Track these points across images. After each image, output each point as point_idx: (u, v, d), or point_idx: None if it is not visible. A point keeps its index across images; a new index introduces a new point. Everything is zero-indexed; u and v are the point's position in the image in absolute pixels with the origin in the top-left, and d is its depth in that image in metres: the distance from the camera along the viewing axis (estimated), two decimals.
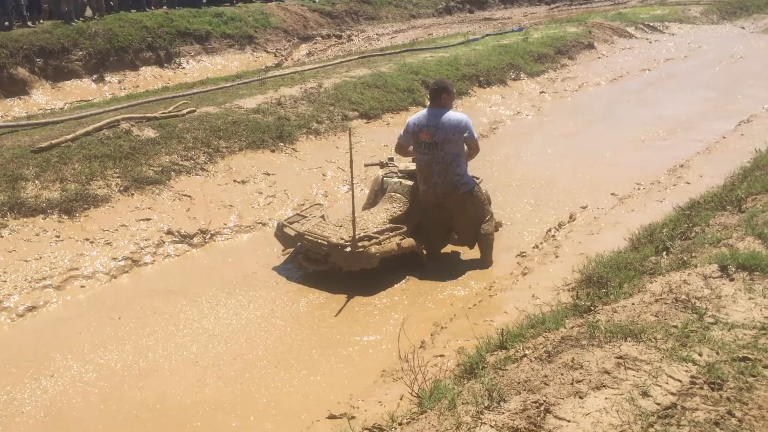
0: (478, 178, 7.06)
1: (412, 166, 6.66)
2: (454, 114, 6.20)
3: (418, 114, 6.38)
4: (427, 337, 5.03)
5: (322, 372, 4.82)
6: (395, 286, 6.01)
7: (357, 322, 5.49)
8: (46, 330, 5.39)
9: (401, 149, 6.50)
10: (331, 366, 4.90)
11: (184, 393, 4.58)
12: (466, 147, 6.18)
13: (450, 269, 6.34)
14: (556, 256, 6.12)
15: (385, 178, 6.83)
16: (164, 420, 4.33)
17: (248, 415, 4.37)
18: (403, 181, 6.67)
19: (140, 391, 4.60)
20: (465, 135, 6.07)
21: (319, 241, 6.00)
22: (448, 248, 6.66)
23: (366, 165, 7.64)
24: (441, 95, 6.19)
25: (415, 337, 4.90)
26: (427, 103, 6.78)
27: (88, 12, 16.18)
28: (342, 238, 5.92)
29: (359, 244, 5.79)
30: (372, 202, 6.86)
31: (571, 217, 7.18)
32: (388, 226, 6.19)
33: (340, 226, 6.24)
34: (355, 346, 5.15)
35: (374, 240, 5.90)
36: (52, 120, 8.92)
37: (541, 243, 6.67)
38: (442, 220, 6.38)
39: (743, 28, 23.20)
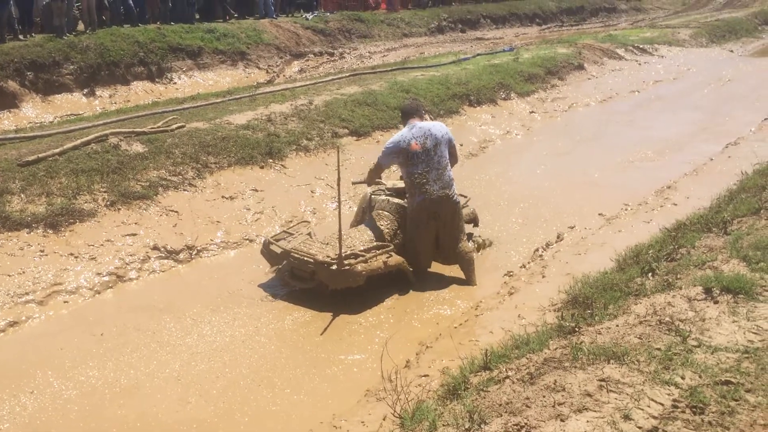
0: (465, 197, 7.09)
1: (400, 184, 6.67)
2: (433, 122, 6.71)
3: (396, 135, 6.47)
4: (412, 357, 5.01)
5: (306, 391, 4.78)
6: (381, 304, 5.99)
7: (342, 341, 5.46)
8: (27, 346, 5.32)
9: (377, 173, 6.65)
10: (315, 385, 4.86)
11: (166, 411, 4.53)
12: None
13: (436, 288, 6.32)
14: (543, 276, 6.11)
15: (372, 196, 6.83)
16: None
17: None
18: (390, 198, 6.67)
19: (121, 409, 4.54)
20: (449, 138, 6.39)
21: (305, 258, 5.97)
22: (435, 267, 6.65)
23: (354, 183, 7.63)
24: (419, 111, 6.59)
25: (400, 356, 4.88)
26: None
27: (81, 27, 16.17)
28: (328, 256, 5.89)
29: (345, 262, 5.77)
30: (360, 219, 6.85)
31: (558, 237, 7.19)
32: (374, 244, 6.17)
33: (327, 243, 6.22)
34: (340, 365, 5.12)
35: (360, 258, 5.88)
36: (40, 134, 8.88)
37: (528, 263, 6.66)
38: (434, 234, 6.38)
39: (732, 51, 23.47)
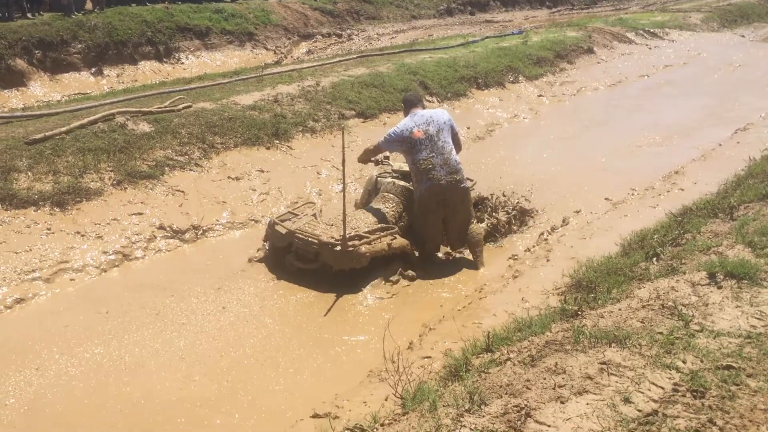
0: (472, 180, 7.08)
1: (406, 167, 6.67)
2: (435, 109, 6.78)
3: (399, 124, 6.50)
4: (415, 339, 5.02)
5: (309, 371, 4.81)
6: (385, 286, 5.98)
7: (346, 322, 5.48)
8: (33, 323, 5.37)
9: (373, 153, 6.71)
10: (319, 365, 4.89)
11: (170, 389, 4.57)
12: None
13: (441, 271, 6.33)
14: (548, 260, 6.11)
15: (378, 178, 6.82)
16: (148, 415, 4.31)
17: (233, 413, 4.35)
18: (396, 181, 6.66)
19: (125, 386, 4.58)
20: (451, 124, 6.42)
21: (310, 239, 5.98)
22: (440, 250, 6.65)
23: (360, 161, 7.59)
24: (420, 102, 6.71)
25: (403, 338, 4.90)
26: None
27: (89, 6, 16.14)
28: (332, 237, 5.90)
29: (349, 243, 5.78)
30: (365, 201, 6.85)
31: (564, 221, 7.17)
32: (379, 226, 6.17)
33: (332, 225, 6.23)
34: (343, 346, 5.14)
35: (365, 239, 5.89)
36: (47, 112, 8.89)
37: (534, 246, 6.65)
38: (441, 220, 6.37)
39: (743, 36, 23.20)
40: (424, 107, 6.65)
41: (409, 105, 6.61)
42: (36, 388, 4.55)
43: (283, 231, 6.21)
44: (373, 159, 6.92)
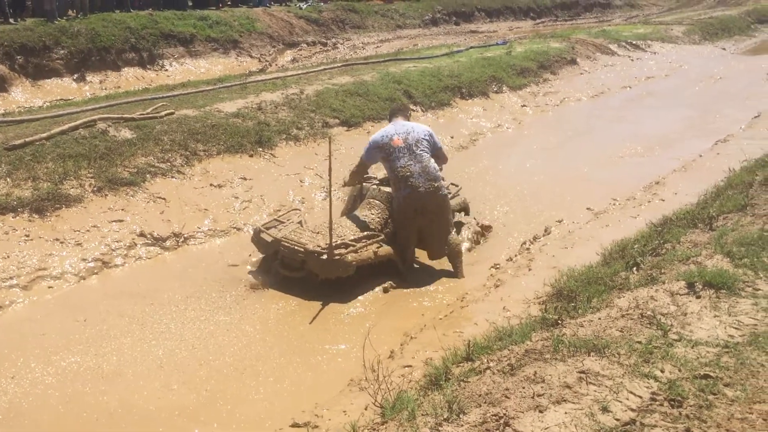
0: (457, 186, 7.12)
1: None
2: (417, 123, 6.86)
3: (380, 131, 6.61)
4: (396, 347, 5.01)
5: (289, 380, 4.78)
6: (369, 294, 5.97)
7: (327, 331, 5.45)
8: (9, 330, 5.29)
9: (361, 171, 6.72)
10: (299, 374, 4.85)
11: (148, 398, 4.52)
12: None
13: (424, 279, 6.32)
14: (529, 269, 6.13)
15: (364, 184, 6.83)
16: (125, 425, 4.26)
17: (212, 422, 4.31)
18: (381, 187, 6.66)
19: (102, 395, 4.52)
20: (434, 141, 6.47)
21: (296, 247, 5.96)
22: (424, 259, 6.64)
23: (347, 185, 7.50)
24: (406, 112, 6.90)
25: (385, 346, 4.88)
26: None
27: (73, 12, 16.04)
28: (318, 245, 5.88)
29: (336, 251, 5.76)
30: (350, 208, 6.85)
31: (546, 231, 7.20)
32: (365, 233, 6.16)
33: (318, 232, 6.20)
34: (324, 355, 5.11)
35: (351, 248, 5.88)
36: (27, 117, 8.81)
37: (515, 256, 6.67)
38: (416, 228, 6.35)
39: (724, 49, 23.51)
40: (407, 118, 6.75)
41: (393, 113, 6.77)
42: (11, 397, 4.48)
43: (269, 239, 6.18)
44: (358, 182, 6.90)
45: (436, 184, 6.27)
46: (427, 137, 6.40)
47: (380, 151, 6.35)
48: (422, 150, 6.29)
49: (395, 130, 6.39)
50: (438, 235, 6.39)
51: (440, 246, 6.42)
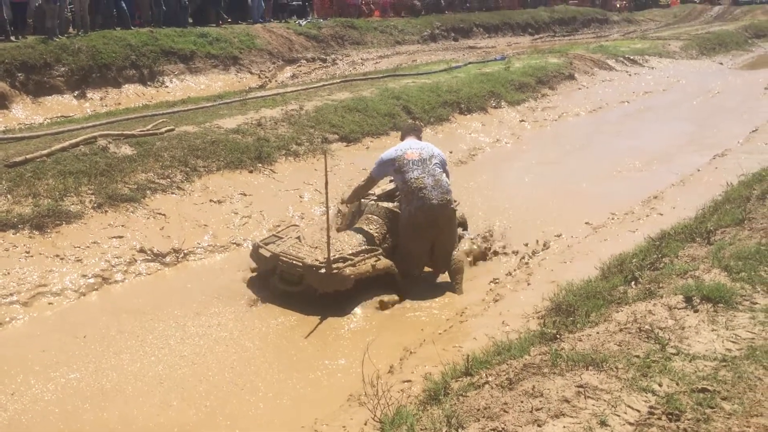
0: (455, 201, 7.13)
1: (389, 187, 6.72)
2: (429, 143, 6.95)
3: (392, 148, 6.76)
4: (396, 362, 5.01)
5: (289, 395, 4.78)
6: (369, 309, 5.98)
7: (327, 346, 5.46)
8: (9, 347, 5.29)
9: (367, 187, 6.77)
10: (298, 389, 4.86)
11: (147, 414, 4.52)
12: None
13: (423, 294, 6.32)
14: (528, 284, 6.14)
15: (363, 200, 6.86)
16: None
17: None
18: (380, 203, 6.69)
19: (102, 412, 4.52)
20: (443, 156, 6.63)
21: (294, 262, 5.98)
22: (423, 273, 6.65)
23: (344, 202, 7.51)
24: (419, 132, 7.08)
25: (384, 361, 4.89)
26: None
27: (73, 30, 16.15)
28: (317, 260, 5.90)
29: (334, 265, 5.79)
30: (350, 223, 6.87)
31: (544, 245, 7.22)
32: (363, 248, 6.18)
33: (316, 247, 6.22)
34: (324, 370, 5.12)
35: (349, 262, 5.89)
36: (28, 135, 8.86)
37: (515, 270, 6.69)
38: (431, 241, 6.37)
39: (721, 64, 23.66)
40: (419, 138, 6.93)
41: (407, 132, 6.97)
42: (11, 414, 4.48)
43: (268, 254, 6.20)
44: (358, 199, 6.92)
45: (448, 198, 6.36)
46: (439, 156, 6.56)
47: (393, 163, 6.43)
48: (435, 164, 6.41)
49: (409, 145, 6.58)
50: (445, 248, 6.43)
51: (446, 259, 6.45)
